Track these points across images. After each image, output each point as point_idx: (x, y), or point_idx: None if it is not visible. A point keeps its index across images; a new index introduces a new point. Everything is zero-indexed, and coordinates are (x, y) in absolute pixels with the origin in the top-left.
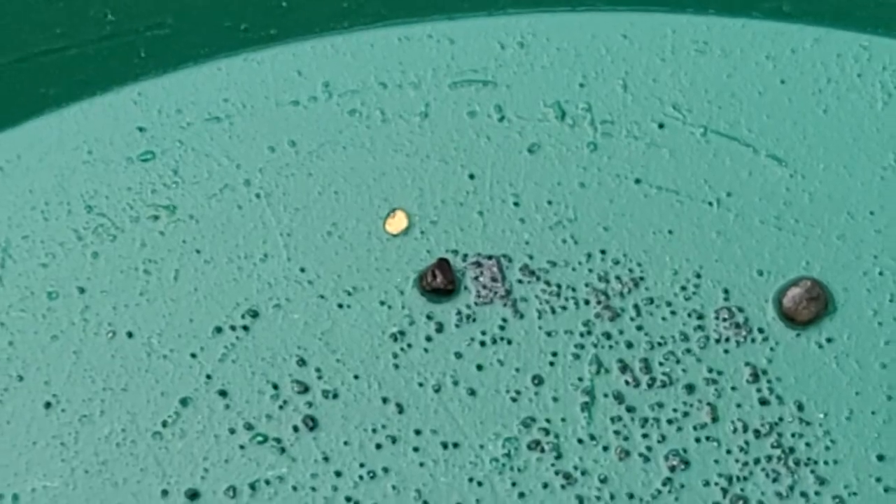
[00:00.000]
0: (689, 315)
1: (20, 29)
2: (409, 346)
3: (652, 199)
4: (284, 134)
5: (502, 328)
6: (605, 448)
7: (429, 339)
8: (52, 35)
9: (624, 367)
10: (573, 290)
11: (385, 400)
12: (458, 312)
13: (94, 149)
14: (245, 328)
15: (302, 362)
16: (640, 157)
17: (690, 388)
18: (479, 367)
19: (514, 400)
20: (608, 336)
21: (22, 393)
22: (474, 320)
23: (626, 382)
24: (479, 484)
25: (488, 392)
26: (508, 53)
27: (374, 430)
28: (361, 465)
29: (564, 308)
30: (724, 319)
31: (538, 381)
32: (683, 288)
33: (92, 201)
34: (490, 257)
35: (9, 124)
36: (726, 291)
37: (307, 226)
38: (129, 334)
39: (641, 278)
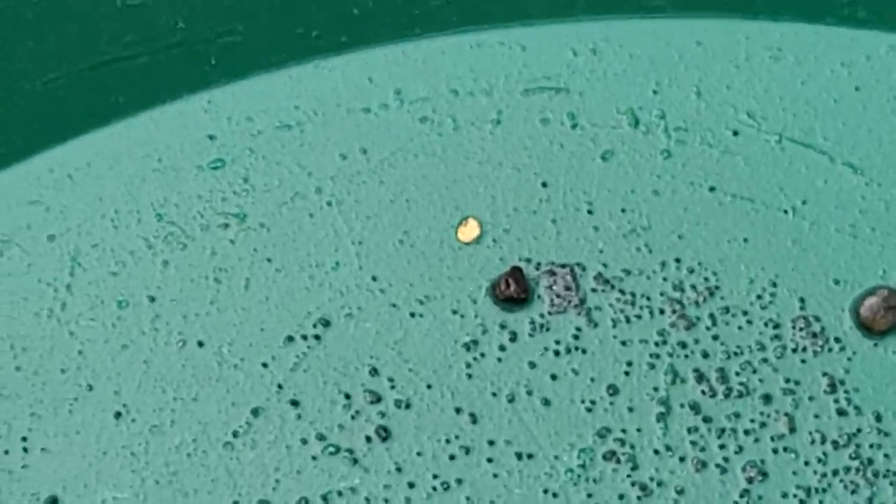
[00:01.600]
0: (766, 324)
1: (90, 37)
2: (483, 355)
3: (726, 207)
4: (356, 141)
5: (576, 337)
6: (682, 459)
7: (502, 348)
8: (123, 43)
9: (700, 377)
10: (648, 298)
11: (458, 410)
12: (532, 321)
13: (163, 157)
14: (317, 337)
15: (374, 372)
16: (715, 165)
17: (767, 399)
18: (553, 377)
19: (588, 410)
20: (683, 345)
21: (92, 402)
22: (548, 329)
23: (703, 392)
24: (555, 495)
25: (563, 402)
26: (581, 60)
27: (447, 441)
28: (435, 477)
29: (639, 317)
30: (801, 329)
31: (613, 390)
32: (759, 297)
33: (162, 209)
34: (563, 266)
35: (79, 132)
36: (802, 300)
37: (379, 234)
38: (200, 343)
39: (717, 287)
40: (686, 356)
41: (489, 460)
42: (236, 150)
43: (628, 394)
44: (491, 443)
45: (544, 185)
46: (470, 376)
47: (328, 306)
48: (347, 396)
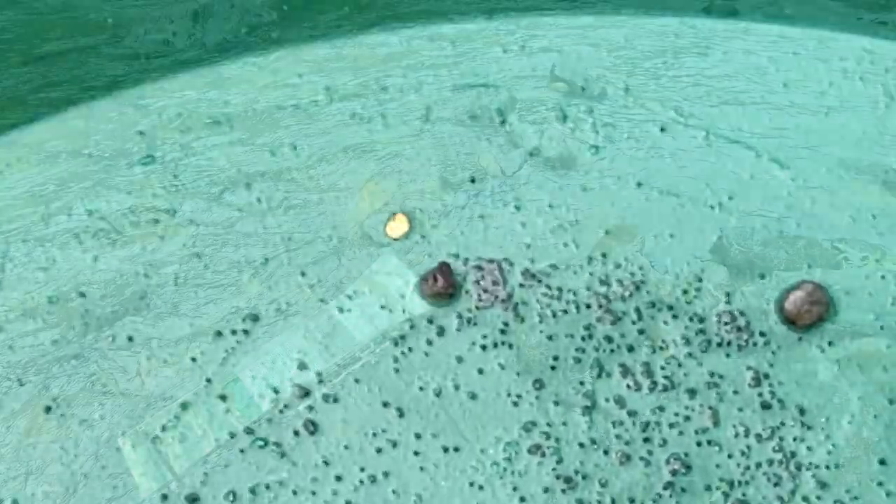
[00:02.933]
0: (691, 319)
1: (20, 33)
2: (410, 349)
3: (653, 202)
4: (285, 137)
5: (503, 332)
6: (606, 452)
7: (430, 343)
8: (53, 38)
9: (625, 372)
10: (574, 293)
11: (386, 404)
12: (459, 316)
13: (94, 152)
14: (245, 332)
15: (303, 366)
16: (642, 161)
17: (692, 393)
18: (481, 371)
19: (515, 404)
20: (609, 340)
21: (21, 397)
22: (475, 324)
23: (628, 386)
24: (480, 488)
25: (489, 396)
26: (510, 56)
27: (374, 435)
28: (362, 470)
29: (566, 312)
30: (726, 323)
31: (539, 385)
32: (685, 292)
33: (92, 205)
34: (491, 261)
35: (7, 128)
36: (728, 295)
37: (308, 230)
38: (130, 339)
39: (643, 282)
40: (612, 350)
41: (416, 454)
42: (166, 147)
43: (554, 388)
44: (418, 436)
45: (472, 181)
46: (397, 371)
47: (257, 301)
48: (276, 391)
